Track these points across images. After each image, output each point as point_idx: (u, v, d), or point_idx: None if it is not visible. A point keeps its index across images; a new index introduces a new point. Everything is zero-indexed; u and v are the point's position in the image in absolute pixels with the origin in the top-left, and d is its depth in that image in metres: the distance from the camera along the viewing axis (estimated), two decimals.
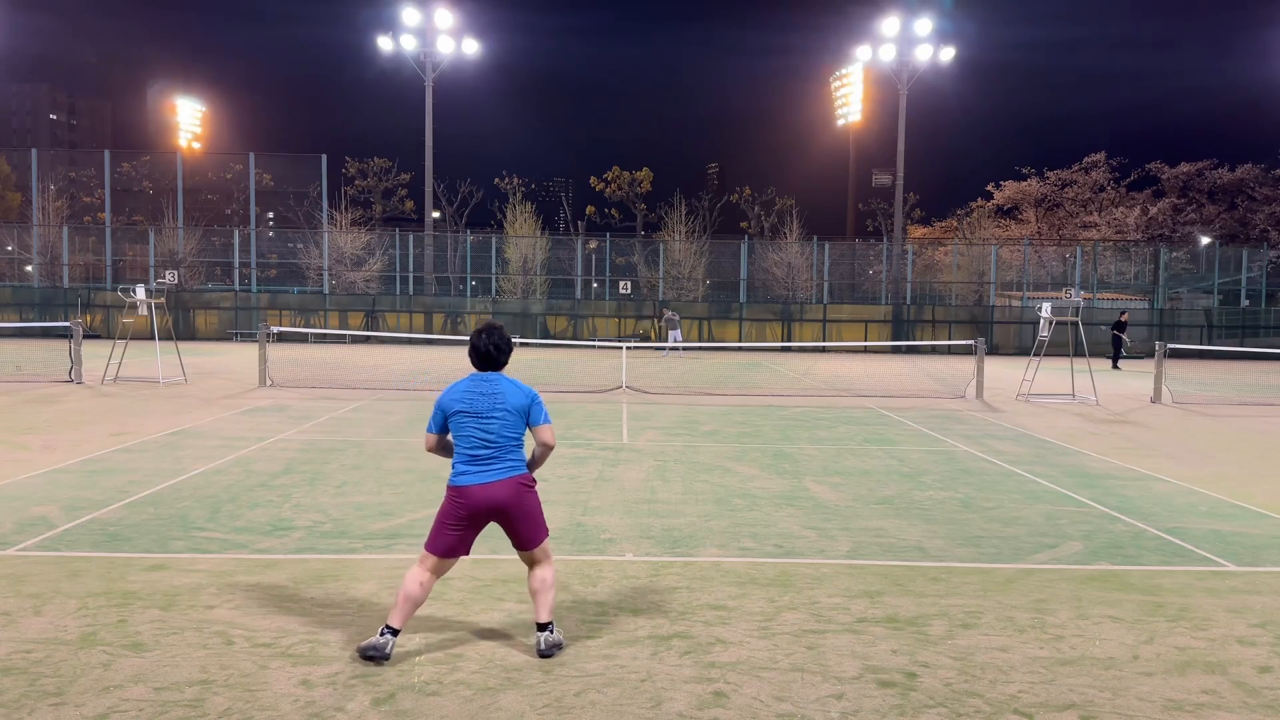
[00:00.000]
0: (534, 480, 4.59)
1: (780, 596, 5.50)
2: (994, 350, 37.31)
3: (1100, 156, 57.75)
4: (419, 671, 4.30)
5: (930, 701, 4.08)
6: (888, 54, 44.43)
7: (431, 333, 38.79)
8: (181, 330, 36.48)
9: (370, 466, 9.50)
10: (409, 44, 42.45)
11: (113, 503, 7.62)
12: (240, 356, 26.03)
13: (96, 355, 19.88)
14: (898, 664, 4.50)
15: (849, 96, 59.20)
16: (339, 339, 36.86)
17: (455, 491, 4.43)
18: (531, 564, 4.63)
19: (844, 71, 58.95)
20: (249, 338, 36.01)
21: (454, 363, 26.27)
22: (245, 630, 4.77)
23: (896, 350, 36.91)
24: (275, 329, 21.19)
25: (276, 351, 21.10)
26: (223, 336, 38.38)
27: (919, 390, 19.45)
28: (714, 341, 39.19)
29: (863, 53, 47.20)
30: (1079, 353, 18.88)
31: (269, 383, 17.58)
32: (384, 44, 42.52)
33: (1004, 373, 24.08)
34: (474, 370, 4.63)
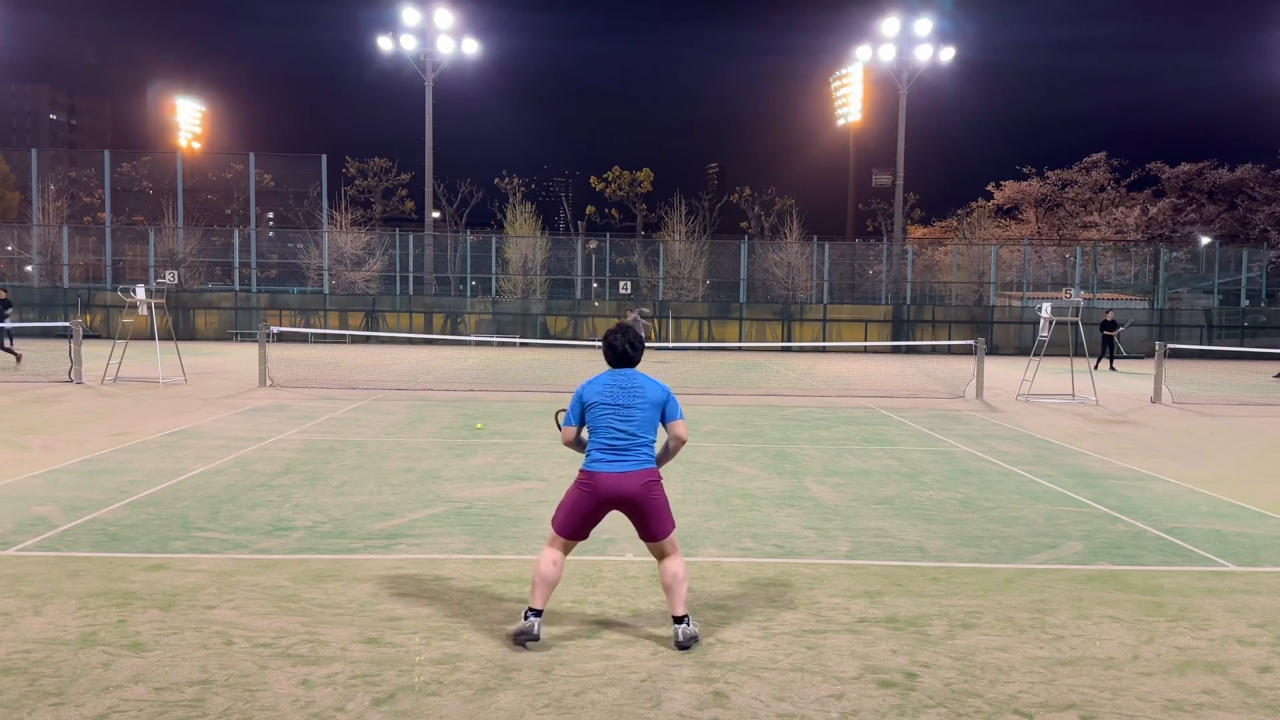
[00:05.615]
0: (660, 475, 4.84)
1: (780, 596, 5.50)
2: (994, 350, 37.30)
3: (1100, 156, 57.82)
4: (419, 671, 4.30)
5: (930, 701, 4.08)
6: (888, 54, 44.48)
7: (431, 333, 38.78)
8: (181, 330, 36.47)
9: (370, 466, 9.50)
10: (409, 44, 42.49)
11: (113, 503, 7.62)
12: (240, 356, 26.03)
13: (96, 355, 19.89)
14: (898, 664, 4.50)
15: (849, 96, 59.19)
16: (339, 339, 36.85)
17: (587, 476, 4.70)
18: (660, 556, 4.81)
19: (844, 71, 58.93)
20: (249, 338, 36.01)
21: (454, 363, 26.28)
22: (245, 630, 4.77)
23: (896, 350, 36.91)
24: (275, 329, 21.18)
25: (276, 351, 21.09)
26: (223, 336, 38.37)
27: (919, 390, 19.45)
28: (714, 341, 39.19)
29: (863, 53, 47.32)
30: (1079, 353, 18.87)
31: (269, 383, 17.58)
32: (384, 44, 42.58)
33: (1004, 373, 24.07)
34: (609, 368, 4.94)
